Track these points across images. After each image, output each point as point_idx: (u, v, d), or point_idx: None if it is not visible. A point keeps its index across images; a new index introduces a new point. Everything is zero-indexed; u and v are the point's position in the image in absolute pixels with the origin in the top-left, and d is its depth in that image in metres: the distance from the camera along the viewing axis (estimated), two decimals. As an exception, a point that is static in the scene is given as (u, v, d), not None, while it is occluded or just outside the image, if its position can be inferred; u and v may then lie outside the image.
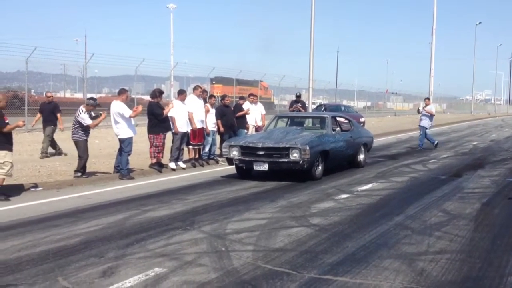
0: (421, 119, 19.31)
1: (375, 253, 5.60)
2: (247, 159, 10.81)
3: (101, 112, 10.97)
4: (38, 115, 14.94)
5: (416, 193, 9.49)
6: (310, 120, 14.02)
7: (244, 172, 11.16)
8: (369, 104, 77.04)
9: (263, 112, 16.43)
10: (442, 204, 8.44)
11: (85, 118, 10.38)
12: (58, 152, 14.14)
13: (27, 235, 6.25)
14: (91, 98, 11.24)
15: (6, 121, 8.45)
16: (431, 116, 19.25)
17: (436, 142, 19.16)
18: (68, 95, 69.33)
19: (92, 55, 27.52)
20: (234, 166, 11.25)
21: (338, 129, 12.59)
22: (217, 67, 58.09)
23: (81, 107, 10.63)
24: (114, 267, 5.03)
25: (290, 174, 10.72)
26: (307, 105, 23.20)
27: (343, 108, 30.64)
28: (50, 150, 14.11)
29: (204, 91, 14.11)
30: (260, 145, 10.72)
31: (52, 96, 15.64)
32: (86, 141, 10.54)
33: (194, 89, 13.58)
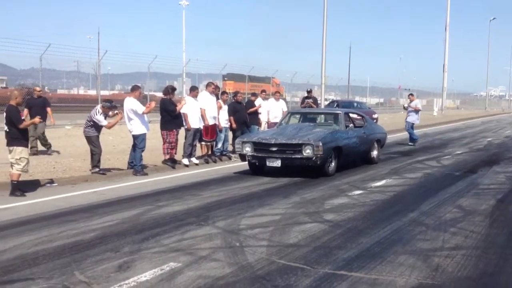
0: (407, 115, 19.27)
1: (389, 249, 5.58)
2: (260, 155, 10.80)
3: (117, 111, 11.03)
4: (26, 111, 12.98)
5: (430, 189, 9.43)
6: (323, 116, 13.91)
7: (257, 169, 11.16)
8: (381, 100, 76.57)
9: (285, 108, 16.57)
10: (457, 200, 8.39)
11: (100, 120, 10.45)
12: (48, 149, 13.67)
13: (44, 230, 6.32)
14: (108, 101, 11.17)
15: (22, 118, 8.54)
16: (417, 112, 19.19)
17: (412, 144, 18.42)
18: (81, 92, 69.84)
19: (105, 52, 27.73)
20: (246, 162, 11.26)
21: (351, 125, 12.52)
22: (229, 64, 57.99)
23: (98, 107, 10.68)
24: (129, 262, 5.07)
25: (303, 170, 10.70)
26: (319, 101, 23.14)
27: (355, 104, 30.51)
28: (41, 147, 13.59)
29: (217, 87, 14.16)
30: (273, 141, 10.72)
31: (42, 91, 15.16)
32: (97, 136, 10.61)
33: (207, 86, 13.63)
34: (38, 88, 15.01)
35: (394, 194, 8.98)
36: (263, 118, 15.73)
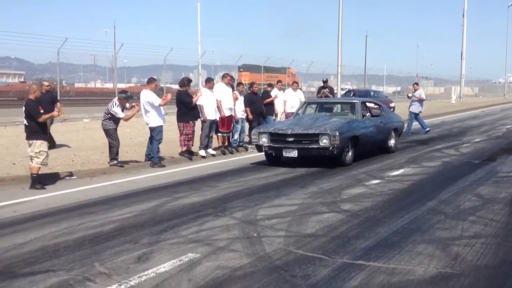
0: (411, 105, 19.06)
1: (408, 238, 5.55)
2: (276, 145, 10.76)
3: (134, 104, 11.09)
4: None
5: (449, 177, 9.33)
6: (340, 106, 13.75)
7: (273, 159, 11.15)
8: (399, 89, 75.90)
9: (302, 99, 16.59)
10: (476, 188, 8.30)
11: (118, 112, 10.51)
12: (51, 145, 12.85)
13: (63, 222, 6.41)
14: (123, 92, 11.20)
15: (41, 111, 8.64)
16: (421, 101, 18.95)
17: (427, 129, 18.50)
18: (98, 85, 70.37)
19: (121, 45, 27.83)
20: (263, 153, 11.25)
21: (368, 114, 12.44)
22: (245, 55, 58.11)
23: (115, 100, 10.74)
24: (148, 253, 5.12)
25: (320, 160, 10.66)
26: (335, 91, 23.01)
27: (372, 93, 30.24)
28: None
29: (232, 78, 14.17)
30: (289, 132, 10.66)
31: (50, 86, 14.31)
32: (115, 129, 10.68)
33: (223, 77, 13.67)
34: (46, 83, 14.42)
35: (412, 183, 8.92)
36: (279, 108, 15.72)
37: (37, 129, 8.65)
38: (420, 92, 19.27)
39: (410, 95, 19.82)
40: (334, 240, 5.49)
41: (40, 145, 8.66)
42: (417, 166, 10.78)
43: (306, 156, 10.66)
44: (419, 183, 8.90)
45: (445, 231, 5.82)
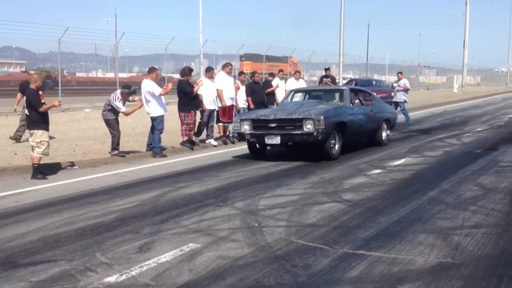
0: (396, 95, 18.89)
1: (409, 228, 5.55)
2: (258, 132, 10.28)
3: (137, 98, 11.07)
4: (19, 96, 12.89)
5: (451, 167, 9.32)
6: (328, 93, 12.90)
7: (257, 151, 10.80)
8: (400, 78, 75.56)
9: None
10: (477, 178, 8.28)
11: (119, 107, 10.50)
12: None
13: (65, 212, 6.43)
14: (127, 86, 11.01)
15: (42, 101, 8.62)
16: (406, 91, 18.82)
17: (410, 121, 18.24)
18: (100, 74, 70.24)
19: (122, 34, 27.75)
20: (246, 142, 10.90)
21: (357, 101, 11.85)
22: (246, 44, 57.79)
23: (118, 93, 10.71)
24: (150, 243, 5.13)
25: (305, 154, 10.33)
26: (337, 80, 22.94)
27: (374, 82, 30.10)
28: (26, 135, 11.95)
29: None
30: (271, 117, 10.21)
31: (35, 75, 13.57)
32: (116, 119, 10.67)
33: (224, 66, 13.63)
34: (32, 72, 12.95)
35: (413, 172, 8.91)
36: (280, 98, 15.67)
37: (38, 119, 8.64)
38: (405, 82, 19.13)
39: (395, 84, 19.46)
40: (335, 230, 5.49)
41: (41, 135, 8.66)
42: (419, 156, 10.77)
43: (290, 143, 10.23)
44: (420, 173, 8.89)
45: (446, 221, 5.82)
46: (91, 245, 5.11)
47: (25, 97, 8.99)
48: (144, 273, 4.33)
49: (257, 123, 10.36)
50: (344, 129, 10.53)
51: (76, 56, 72.03)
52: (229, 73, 13.21)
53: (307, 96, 12.83)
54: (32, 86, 8.74)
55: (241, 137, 10.93)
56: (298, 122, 9.91)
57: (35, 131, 8.66)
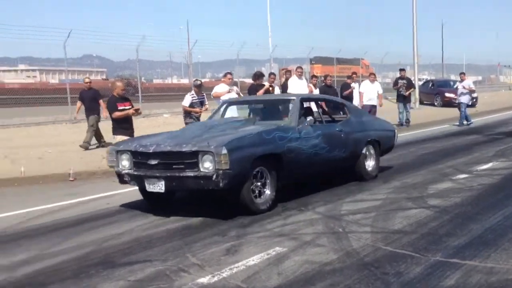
0: (460, 96, 18.10)
1: (504, 235, 5.29)
2: (138, 173, 6.63)
3: (206, 105, 11.40)
4: (79, 103, 13.45)
5: (543, 172, 8.80)
6: (270, 106, 8.98)
7: (154, 200, 7.00)
8: (480, 78, 72.33)
9: (380, 91, 16.24)
10: None
11: (185, 98, 11.18)
12: (102, 144, 12.85)
13: (151, 214, 6.64)
14: (196, 80, 11.72)
15: (119, 108, 8.74)
16: (470, 92, 18.23)
17: (471, 122, 17.80)
18: (175, 81, 72.38)
19: (195, 42, 28.50)
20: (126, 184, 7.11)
21: (310, 118, 7.65)
22: (316, 47, 57.54)
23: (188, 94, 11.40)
24: (237, 246, 5.22)
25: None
26: (413, 81, 22.20)
27: (451, 83, 28.99)
28: (94, 141, 13.08)
29: (288, 71, 14.19)
30: (151, 150, 6.48)
31: (91, 82, 13.78)
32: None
33: (296, 70, 13.75)
34: (87, 79, 13.89)
35: (502, 177, 8.49)
36: (355, 102, 15.48)
37: (115, 125, 8.78)
38: (469, 83, 18.66)
39: (459, 86, 18.77)
40: (424, 237, 5.33)
41: (121, 140, 8.94)
42: (506, 160, 10.24)
43: (179, 191, 7.13)
44: (509, 177, 8.46)
45: (544, 229, 5.50)
46: (181, 246, 5.27)
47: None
48: (234, 275, 4.41)
49: (137, 158, 6.69)
50: (281, 164, 6.85)
51: (152, 63, 74.73)
52: (300, 76, 13.25)
53: (248, 111, 9.30)
54: (114, 92, 9.00)
55: (119, 178, 7.00)
56: (192, 158, 6.22)
57: (115, 136, 8.91)
